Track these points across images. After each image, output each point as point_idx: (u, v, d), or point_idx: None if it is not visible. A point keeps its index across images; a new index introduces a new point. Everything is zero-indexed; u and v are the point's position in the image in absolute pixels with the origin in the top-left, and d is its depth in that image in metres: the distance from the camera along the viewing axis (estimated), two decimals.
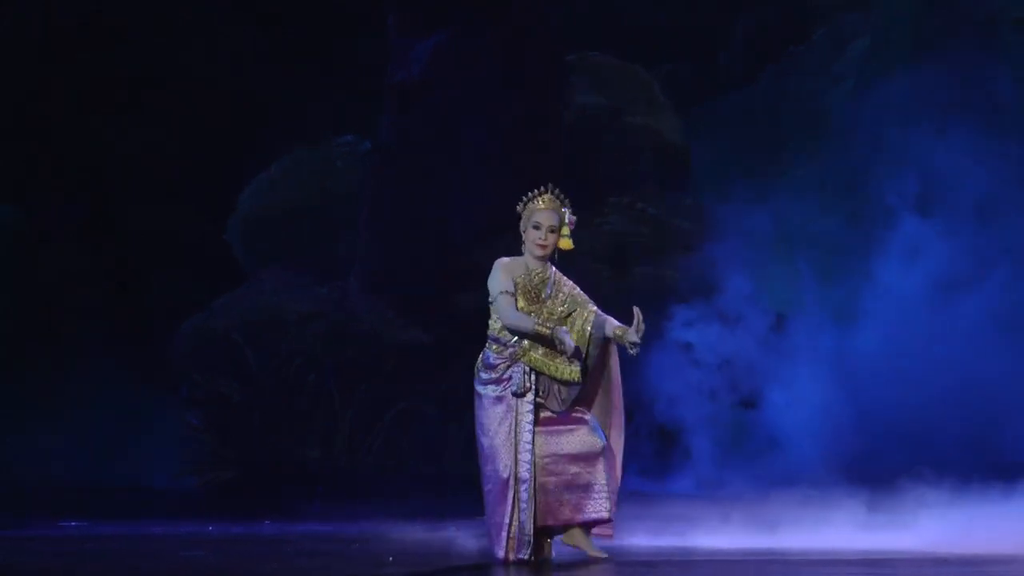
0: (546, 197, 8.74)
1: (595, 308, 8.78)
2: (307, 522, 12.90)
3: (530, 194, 8.76)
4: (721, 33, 21.84)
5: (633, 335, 8.60)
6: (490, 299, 8.70)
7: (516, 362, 8.64)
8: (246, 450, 18.72)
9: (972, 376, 17.56)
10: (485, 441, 8.64)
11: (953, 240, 18.36)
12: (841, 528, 10.41)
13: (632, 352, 8.65)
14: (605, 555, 8.73)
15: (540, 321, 8.58)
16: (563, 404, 8.68)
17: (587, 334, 8.70)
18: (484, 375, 8.71)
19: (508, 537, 8.57)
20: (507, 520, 8.54)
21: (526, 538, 8.56)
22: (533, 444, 8.58)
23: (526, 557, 8.57)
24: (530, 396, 8.65)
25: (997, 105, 19.57)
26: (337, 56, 20.83)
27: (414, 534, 11.25)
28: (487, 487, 8.64)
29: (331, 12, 20.94)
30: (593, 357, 8.73)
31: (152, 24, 20.58)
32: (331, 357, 18.76)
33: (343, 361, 18.75)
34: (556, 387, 8.69)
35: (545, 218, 8.67)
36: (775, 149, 20.69)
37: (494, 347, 8.69)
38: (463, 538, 10.14)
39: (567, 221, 8.75)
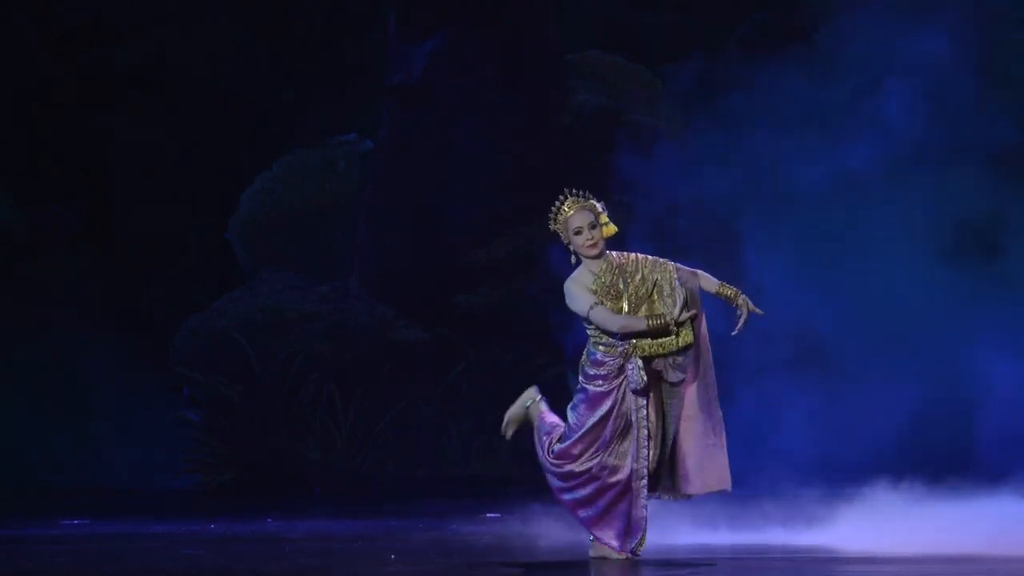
0: (569, 202, 8.81)
1: (673, 264, 8.77)
2: (308, 521, 12.89)
3: (553, 209, 8.81)
4: (721, 33, 21.82)
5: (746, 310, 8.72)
6: (583, 318, 8.68)
7: (629, 358, 8.63)
8: (246, 450, 18.72)
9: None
10: (577, 430, 8.64)
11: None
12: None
13: (742, 316, 8.69)
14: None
15: (648, 315, 8.59)
16: (682, 371, 8.66)
17: (677, 289, 8.67)
18: (591, 371, 8.70)
19: (626, 530, 8.64)
20: (630, 511, 8.62)
21: (640, 532, 8.67)
22: (650, 440, 8.63)
23: (638, 549, 8.69)
24: (643, 397, 8.68)
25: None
26: (337, 57, 20.83)
27: (415, 533, 11.25)
28: (586, 486, 8.65)
29: (331, 12, 20.93)
30: (693, 308, 8.73)
31: (152, 24, 20.58)
32: (331, 357, 18.76)
33: (343, 361, 18.76)
34: (670, 359, 8.67)
35: (581, 220, 8.73)
36: (775, 149, 20.66)
37: (601, 348, 8.68)
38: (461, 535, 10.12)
39: (600, 210, 8.78)
